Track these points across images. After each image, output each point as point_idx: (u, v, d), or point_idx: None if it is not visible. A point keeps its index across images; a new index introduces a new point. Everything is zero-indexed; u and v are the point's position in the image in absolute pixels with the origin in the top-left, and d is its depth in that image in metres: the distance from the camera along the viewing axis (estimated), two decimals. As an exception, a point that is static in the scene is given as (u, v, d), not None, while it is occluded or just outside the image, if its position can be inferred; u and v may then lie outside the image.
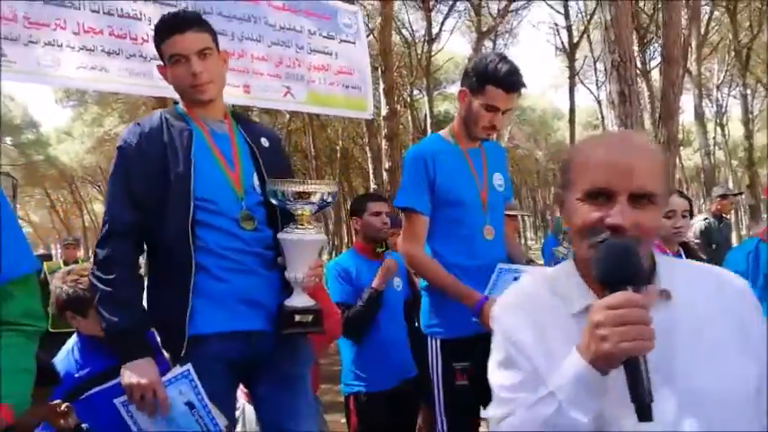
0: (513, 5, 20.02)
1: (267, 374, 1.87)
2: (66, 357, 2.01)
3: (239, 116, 2.01)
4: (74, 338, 2.08)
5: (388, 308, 3.06)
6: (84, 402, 1.92)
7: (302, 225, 1.80)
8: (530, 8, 22.58)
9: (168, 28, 1.81)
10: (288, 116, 19.82)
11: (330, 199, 1.85)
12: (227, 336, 1.77)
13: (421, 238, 2.22)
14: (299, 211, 1.79)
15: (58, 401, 1.84)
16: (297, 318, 1.80)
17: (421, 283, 2.44)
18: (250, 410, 2.71)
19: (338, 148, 23.81)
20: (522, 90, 2.25)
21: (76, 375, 1.97)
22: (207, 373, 1.70)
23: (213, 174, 1.80)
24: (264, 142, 1.96)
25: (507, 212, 2.55)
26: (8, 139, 29.96)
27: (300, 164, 23.22)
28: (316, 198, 1.79)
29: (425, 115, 19.69)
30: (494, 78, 2.14)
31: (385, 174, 10.69)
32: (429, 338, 2.28)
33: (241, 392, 2.78)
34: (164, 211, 1.74)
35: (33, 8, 3.04)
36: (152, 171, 1.75)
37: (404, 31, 21.43)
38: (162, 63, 1.89)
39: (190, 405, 1.66)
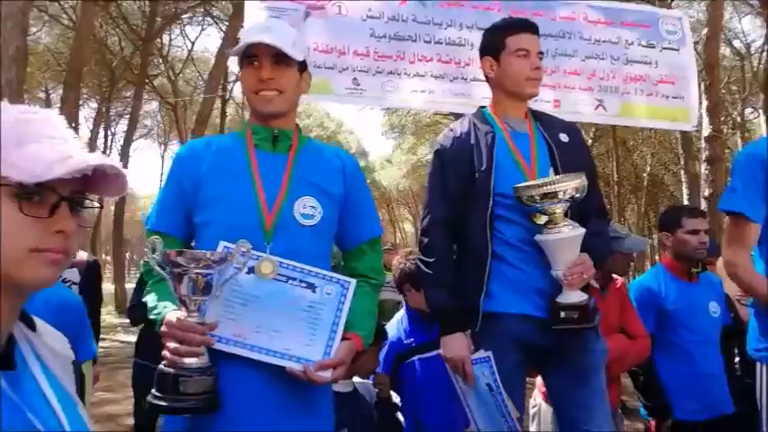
0: None
1: (560, 365, 1.92)
2: (396, 325, 2.38)
3: (538, 114, 2.12)
4: (402, 310, 2.43)
5: (701, 335, 2.74)
6: (409, 366, 2.25)
7: (556, 224, 1.81)
8: None
9: (519, 25, 2.05)
10: (590, 140, 19.14)
11: (578, 195, 1.81)
12: (519, 317, 1.87)
13: (748, 248, 1.95)
14: (550, 211, 1.81)
15: (384, 375, 2.18)
16: (562, 314, 1.83)
17: (749, 300, 2.13)
18: (546, 410, 2.73)
19: (645, 175, 21.92)
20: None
21: (405, 342, 2.31)
22: (498, 350, 1.81)
23: (512, 172, 1.94)
24: (563, 137, 2.02)
25: None
26: (344, 166, 35.81)
27: (602, 191, 22.05)
28: (563, 196, 1.78)
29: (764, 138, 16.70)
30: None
31: (703, 202, 9.44)
32: (759, 365, 1.98)
33: (539, 391, 2.82)
34: (469, 205, 1.94)
35: (381, 44, 3.67)
36: (462, 170, 1.97)
37: (735, 42, 18.72)
38: (490, 57, 2.06)
39: (489, 387, 1.79)
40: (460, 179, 1.96)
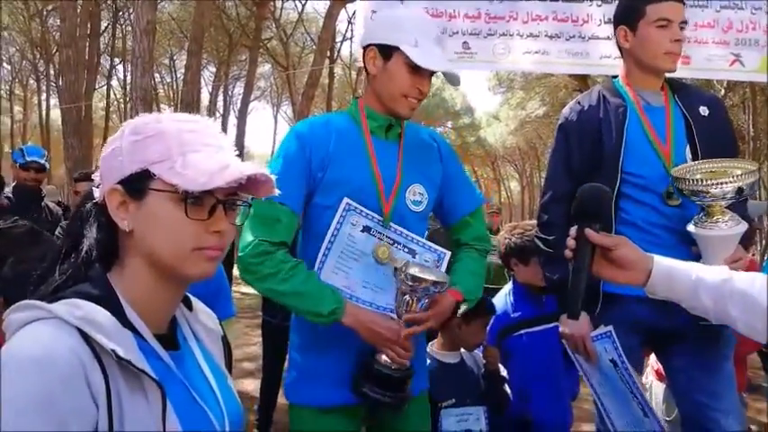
0: None
1: (684, 349, 1.83)
2: (503, 299, 2.39)
3: (677, 85, 1.94)
4: (509, 284, 2.44)
5: None
6: (516, 339, 2.27)
7: (714, 217, 1.63)
8: None
9: None
10: (722, 91, 17.38)
11: (748, 189, 1.59)
12: (639, 299, 1.78)
13: None
14: (711, 205, 1.62)
15: (493, 348, 2.22)
16: None
17: None
18: (657, 387, 2.66)
19: (788, 128, 19.62)
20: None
21: (512, 316, 2.32)
22: (618, 331, 1.75)
23: (643, 149, 1.80)
24: (703, 111, 1.85)
25: None
26: (449, 123, 35.47)
27: (733, 146, 20.07)
28: (725, 189, 1.56)
29: None
30: None
31: None
32: None
33: (651, 369, 2.74)
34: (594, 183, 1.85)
35: (493, 5, 3.56)
36: (588, 145, 1.85)
37: None
38: (625, 26, 1.88)
39: (613, 363, 1.75)
40: (585, 155, 1.85)
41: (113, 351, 0.73)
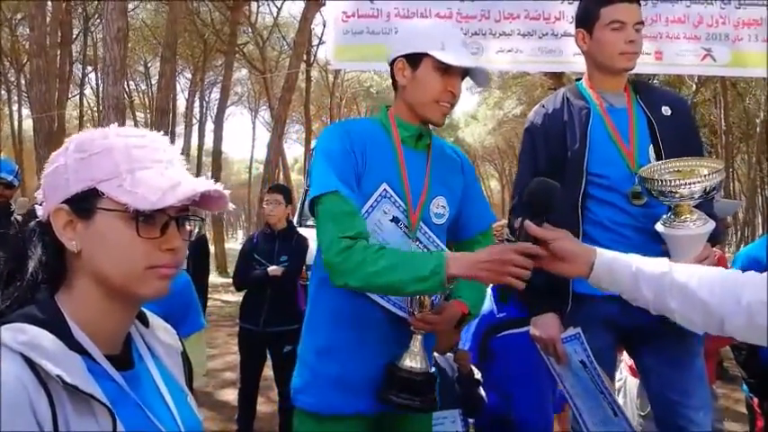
0: None
1: (654, 347, 1.84)
2: (488, 299, 2.37)
3: (639, 85, 1.96)
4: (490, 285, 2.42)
5: None
6: (500, 340, 2.25)
7: (682, 216, 1.64)
8: None
9: None
10: (694, 86, 17.70)
11: (714, 192, 1.61)
12: (609, 298, 1.77)
13: None
14: (679, 204, 1.63)
15: (465, 351, 2.20)
16: None
17: None
18: (632, 383, 2.67)
19: (758, 120, 20.03)
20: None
21: (497, 316, 2.31)
22: (589, 331, 1.76)
23: (607, 150, 1.83)
24: (666, 111, 1.87)
25: None
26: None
27: (707, 140, 20.48)
28: (693, 189, 1.57)
29: None
30: None
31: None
32: None
33: (625, 365, 2.75)
34: (561, 185, 1.85)
35: (464, 5, 3.55)
36: (553, 148, 1.88)
37: None
38: (582, 29, 1.90)
39: (583, 364, 1.76)
40: (552, 158, 1.88)
41: (59, 377, 0.70)
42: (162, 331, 0.95)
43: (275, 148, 13.53)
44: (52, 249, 0.81)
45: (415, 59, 1.58)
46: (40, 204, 0.83)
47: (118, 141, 0.80)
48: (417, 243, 1.61)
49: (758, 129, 20.22)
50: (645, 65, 3.26)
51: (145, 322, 0.93)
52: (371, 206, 1.56)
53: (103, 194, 0.78)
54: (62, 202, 0.79)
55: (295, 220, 6.93)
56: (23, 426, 0.68)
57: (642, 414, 2.61)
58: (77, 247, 0.79)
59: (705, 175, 1.58)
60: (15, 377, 0.69)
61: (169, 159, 0.83)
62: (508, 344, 2.26)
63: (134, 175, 0.78)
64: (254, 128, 35.18)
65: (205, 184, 0.80)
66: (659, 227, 1.71)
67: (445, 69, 1.54)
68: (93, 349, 0.79)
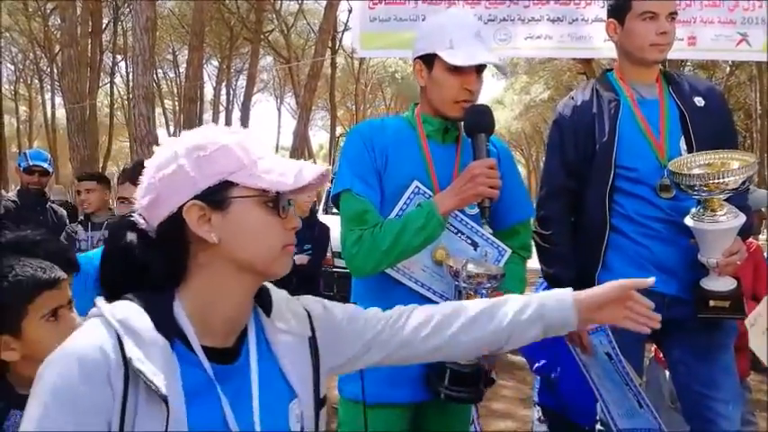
0: None
1: (682, 340, 1.84)
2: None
3: (671, 76, 1.92)
4: None
5: None
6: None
7: (713, 211, 1.62)
8: None
9: None
10: (728, 69, 17.18)
11: (742, 185, 1.57)
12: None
13: None
14: (709, 198, 1.62)
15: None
16: (711, 303, 1.71)
17: None
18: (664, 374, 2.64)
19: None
20: None
21: None
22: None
23: (637, 142, 1.81)
24: (699, 102, 1.83)
25: None
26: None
27: (741, 124, 19.90)
28: (734, 185, 1.55)
29: None
30: None
31: None
32: None
33: (652, 354, 2.72)
34: (589, 178, 1.85)
35: (492, -10, 3.52)
36: (581, 140, 1.86)
37: None
38: (614, 20, 1.88)
39: (608, 356, 1.77)
40: (580, 151, 1.86)
41: (129, 359, 0.74)
42: (284, 319, 0.93)
43: (301, 136, 13.59)
44: (175, 247, 0.83)
45: (428, 60, 1.59)
46: (139, 214, 0.86)
47: (228, 138, 0.84)
48: (452, 227, 1.60)
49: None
50: (678, 51, 3.19)
51: (268, 310, 0.92)
52: (405, 204, 1.57)
53: (237, 184, 0.82)
54: (192, 199, 0.82)
55: (320, 208, 6.98)
56: (98, 393, 0.73)
57: (671, 406, 2.58)
58: (216, 237, 0.82)
59: (736, 170, 1.56)
60: (99, 347, 0.75)
61: (268, 149, 0.88)
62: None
63: (257, 164, 0.83)
64: (279, 115, 35.40)
65: (321, 166, 0.86)
66: (688, 221, 1.69)
67: (456, 68, 1.54)
68: (192, 338, 0.82)
